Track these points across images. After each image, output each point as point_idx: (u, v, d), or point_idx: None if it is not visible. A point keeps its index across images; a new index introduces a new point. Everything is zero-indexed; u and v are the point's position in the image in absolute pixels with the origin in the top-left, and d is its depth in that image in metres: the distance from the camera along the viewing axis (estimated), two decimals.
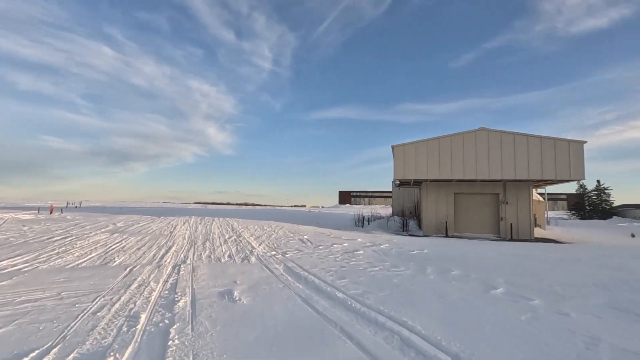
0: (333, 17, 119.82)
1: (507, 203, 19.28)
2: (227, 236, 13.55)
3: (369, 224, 24.97)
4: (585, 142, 17.18)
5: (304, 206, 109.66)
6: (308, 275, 6.98)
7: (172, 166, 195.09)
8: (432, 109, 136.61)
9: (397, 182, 20.66)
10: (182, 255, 9.16)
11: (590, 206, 56.82)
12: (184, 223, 18.57)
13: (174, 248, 10.34)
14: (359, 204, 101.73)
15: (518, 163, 17.83)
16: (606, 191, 55.44)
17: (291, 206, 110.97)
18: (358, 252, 10.42)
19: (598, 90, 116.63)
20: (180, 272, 7.06)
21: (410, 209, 31.20)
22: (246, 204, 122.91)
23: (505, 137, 18.11)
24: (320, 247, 11.43)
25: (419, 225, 22.75)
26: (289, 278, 6.84)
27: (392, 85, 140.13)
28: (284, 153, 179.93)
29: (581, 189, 56.90)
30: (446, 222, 19.73)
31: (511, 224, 18.96)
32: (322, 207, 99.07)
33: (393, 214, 36.43)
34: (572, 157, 17.20)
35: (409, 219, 25.52)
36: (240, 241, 12.26)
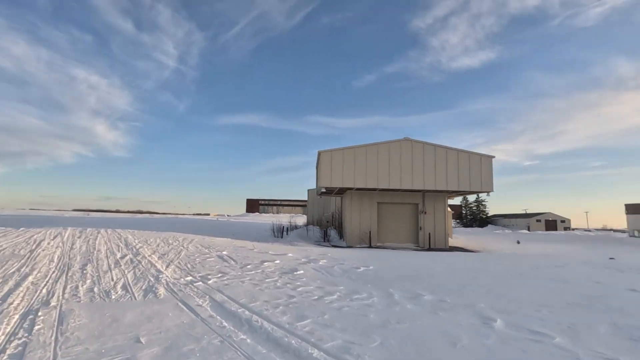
0: (245, 23, 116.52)
1: (425, 213, 19.61)
2: (119, 255, 10.22)
3: (287, 234, 23.17)
4: (494, 156, 18.45)
5: (208, 214, 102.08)
6: (252, 317, 4.84)
7: (44, 167, 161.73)
8: (338, 123, 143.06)
9: (323, 190, 19.38)
10: (43, 291, 6.00)
11: (471, 215, 65.06)
12: (55, 237, 14.05)
13: (31, 278, 6.93)
14: (267, 213, 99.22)
15: (438, 174, 18.21)
16: (483, 203, 64.13)
17: (194, 214, 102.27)
18: (298, 273, 8.52)
19: (469, 117, 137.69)
20: (35, 327, 4.20)
21: (327, 218, 30.41)
22: (141, 212, 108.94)
23: (427, 148, 18.38)
24: (249, 266, 9.17)
25: (340, 235, 21.84)
26: (225, 323, 4.60)
27: (301, 96, 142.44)
28: (186, 157, 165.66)
29: (464, 201, 64.84)
30: (370, 232, 19.13)
31: (429, 234, 19.28)
32: (229, 215, 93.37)
33: (309, 223, 35.23)
34: (483, 170, 18.26)
35: (328, 229, 24.50)
36: (140, 262, 9.19)
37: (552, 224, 61.36)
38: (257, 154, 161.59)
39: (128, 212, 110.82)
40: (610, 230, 60.99)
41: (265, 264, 9.65)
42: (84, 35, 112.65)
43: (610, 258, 14.12)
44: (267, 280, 7.54)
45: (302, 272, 8.65)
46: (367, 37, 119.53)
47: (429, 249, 18.32)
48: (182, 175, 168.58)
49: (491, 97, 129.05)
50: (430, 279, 8.26)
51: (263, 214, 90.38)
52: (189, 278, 7.48)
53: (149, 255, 10.27)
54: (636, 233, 40.59)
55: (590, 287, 7.74)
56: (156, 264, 8.92)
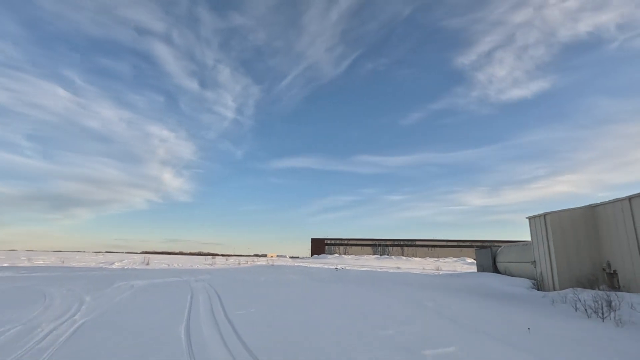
0: (295, 74, 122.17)
1: None
2: None
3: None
4: None
5: (265, 255, 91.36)
6: None
7: (121, 212, 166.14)
8: (386, 161, 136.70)
9: None
10: None
11: None
12: None
13: None
14: (333, 253, 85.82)
15: None
16: None
17: (253, 255, 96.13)
18: None
19: (526, 149, 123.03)
20: None
21: None
22: (201, 254, 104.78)
23: None
24: None
25: None
26: None
27: (349, 138, 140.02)
28: (242, 200, 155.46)
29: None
30: None
31: None
32: (292, 257, 78.96)
33: (547, 287, 11.68)
34: None
35: None
36: None
37: None
38: (309, 194, 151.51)
39: (189, 253, 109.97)
40: None
41: None
42: (157, 97, 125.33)
43: None
44: None
45: None
46: (411, 77, 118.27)
47: None
48: (238, 217, 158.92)
49: (549, 127, 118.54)
50: None
51: (345, 256, 76.38)
52: None
53: None
54: None
55: None
56: None
